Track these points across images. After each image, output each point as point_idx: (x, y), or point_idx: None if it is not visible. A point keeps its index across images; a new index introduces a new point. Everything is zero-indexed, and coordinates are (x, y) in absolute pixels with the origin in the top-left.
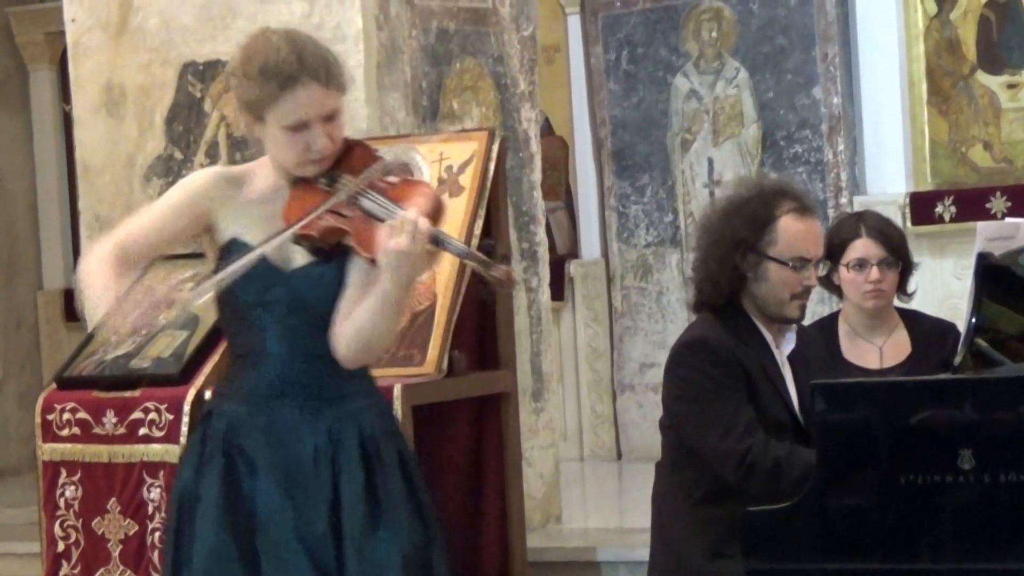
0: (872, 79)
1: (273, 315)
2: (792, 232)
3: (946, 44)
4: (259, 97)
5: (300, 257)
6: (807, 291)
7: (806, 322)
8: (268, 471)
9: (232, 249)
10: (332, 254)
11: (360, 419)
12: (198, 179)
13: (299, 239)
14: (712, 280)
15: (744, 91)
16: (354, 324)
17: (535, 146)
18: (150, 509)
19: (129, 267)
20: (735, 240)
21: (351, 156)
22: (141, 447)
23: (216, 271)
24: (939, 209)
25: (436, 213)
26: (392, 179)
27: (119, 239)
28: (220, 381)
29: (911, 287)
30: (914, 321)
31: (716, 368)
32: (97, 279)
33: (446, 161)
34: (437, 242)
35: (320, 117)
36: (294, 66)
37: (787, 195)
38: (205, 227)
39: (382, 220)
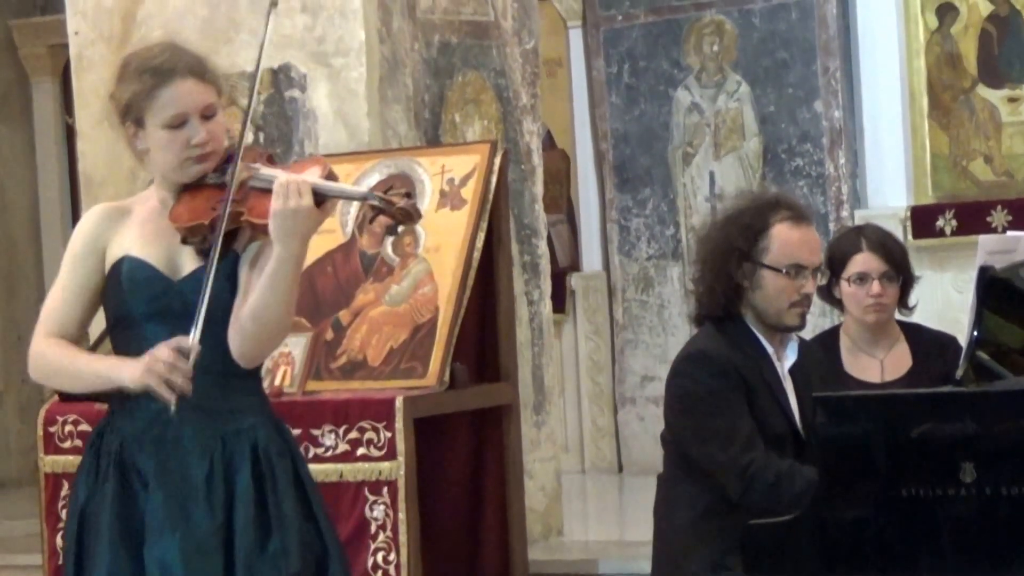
0: (873, 93)
1: (163, 327)
2: (785, 239)
3: (947, 58)
4: (136, 94)
5: (189, 263)
6: (805, 299)
7: (807, 335)
8: (159, 487)
9: (122, 265)
10: (222, 254)
11: (253, 435)
12: (86, 222)
13: (187, 239)
14: (710, 291)
15: (745, 104)
16: (247, 312)
17: (537, 159)
18: None
19: (74, 342)
20: (730, 249)
21: (234, 160)
22: None
23: (105, 296)
24: (940, 222)
25: (326, 176)
26: (280, 165)
27: (47, 328)
28: (111, 397)
29: (912, 300)
30: (915, 334)
31: (716, 381)
32: (60, 360)
33: (448, 174)
34: (324, 192)
35: (197, 111)
36: (167, 60)
37: (782, 204)
38: (104, 265)
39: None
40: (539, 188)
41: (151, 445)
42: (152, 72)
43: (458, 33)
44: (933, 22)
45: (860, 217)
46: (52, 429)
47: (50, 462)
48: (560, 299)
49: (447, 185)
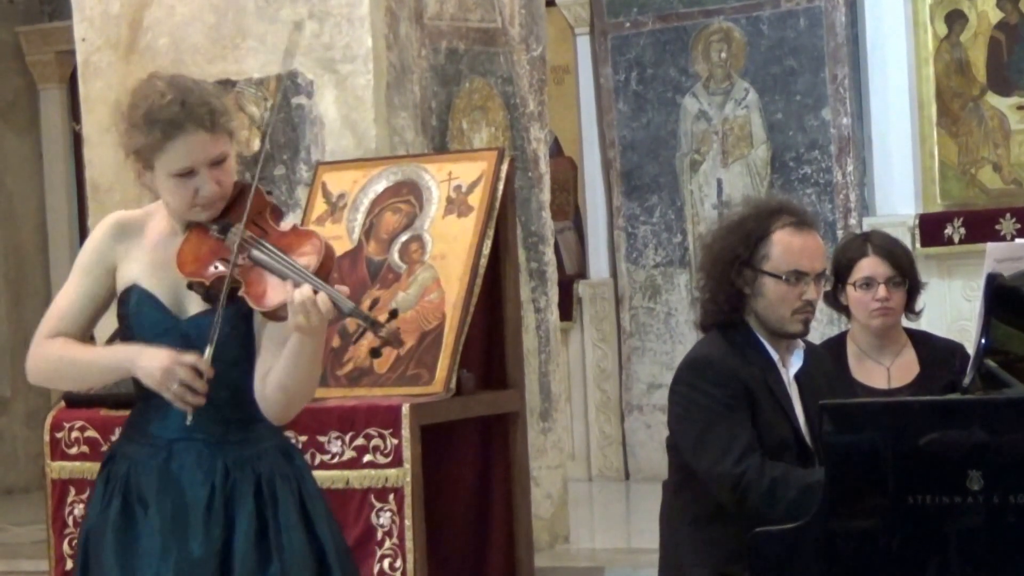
0: (882, 100)
1: None
2: (786, 246)
3: (956, 66)
4: (145, 145)
5: (195, 305)
6: (808, 305)
7: (815, 342)
8: (157, 512)
9: (132, 295)
10: (229, 301)
11: (256, 463)
12: (98, 233)
13: (191, 285)
14: (713, 298)
15: (753, 112)
16: (274, 383)
17: (544, 166)
18: None
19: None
20: (731, 256)
21: (243, 201)
22: None
23: (120, 319)
24: (948, 230)
25: (325, 265)
26: (282, 226)
27: (48, 330)
28: (125, 422)
29: (919, 306)
30: (923, 342)
31: (717, 388)
32: (65, 354)
33: (455, 181)
34: (339, 309)
35: (207, 163)
36: (178, 113)
37: (784, 210)
38: (113, 281)
39: (275, 272)
40: (546, 195)
41: (155, 472)
42: (161, 125)
43: (465, 40)
44: (942, 29)
45: (868, 225)
46: (59, 435)
47: (57, 468)
48: (567, 306)
49: (454, 192)
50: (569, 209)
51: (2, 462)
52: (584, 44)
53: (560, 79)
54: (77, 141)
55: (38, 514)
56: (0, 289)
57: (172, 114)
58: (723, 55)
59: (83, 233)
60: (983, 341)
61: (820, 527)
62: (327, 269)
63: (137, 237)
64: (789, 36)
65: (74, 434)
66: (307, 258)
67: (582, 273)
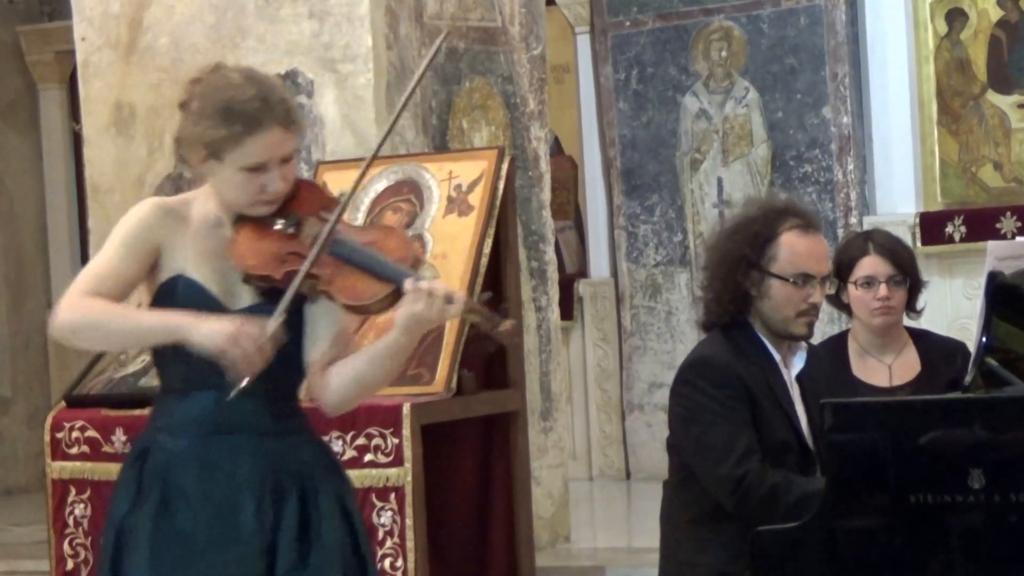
0: (882, 99)
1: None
2: (793, 248)
3: (956, 64)
4: (220, 137)
5: (247, 296)
6: (813, 308)
7: (816, 341)
8: (203, 508)
9: (178, 283)
10: (280, 296)
11: (299, 454)
12: (142, 213)
13: (249, 279)
14: (717, 298)
15: (754, 111)
16: (353, 373)
17: (544, 165)
18: None
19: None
20: (738, 257)
21: (300, 195)
22: None
23: (155, 306)
24: (949, 229)
25: (417, 262)
26: (355, 222)
27: (89, 288)
28: (154, 413)
29: (920, 304)
30: (923, 340)
31: (718, 389)
32: (108, 311)
33: (455, 180)
34: (449, 302)
35: (279, 159)
36: (260, 108)
37: (791, 212)
38: (153, 263)
39: (366, 269)
40: (547, 194)
41: (196, 466)
42: (243, 119)
43: (465, 39)
44: (942, 28)
45: (869, 223)
46: (59, 435)
47: (57, 468)
48: (568, 306)
49: (454, 191)
50: (569, 208)
51: (2, 462)
52: (584, 43)
53: (560, 78)
54: (77, 141)
55: (38, 514)
56: (0, 289)
57: (254, 109)
58: (723, 54)
59: (83, 233)
60: (984, 339)
61: (821, 526)
62: (419, 264)
63: (181, 224)
64: (789, 35)
65: (74, 434)
66: (397, 253)
67: (583, 272)
